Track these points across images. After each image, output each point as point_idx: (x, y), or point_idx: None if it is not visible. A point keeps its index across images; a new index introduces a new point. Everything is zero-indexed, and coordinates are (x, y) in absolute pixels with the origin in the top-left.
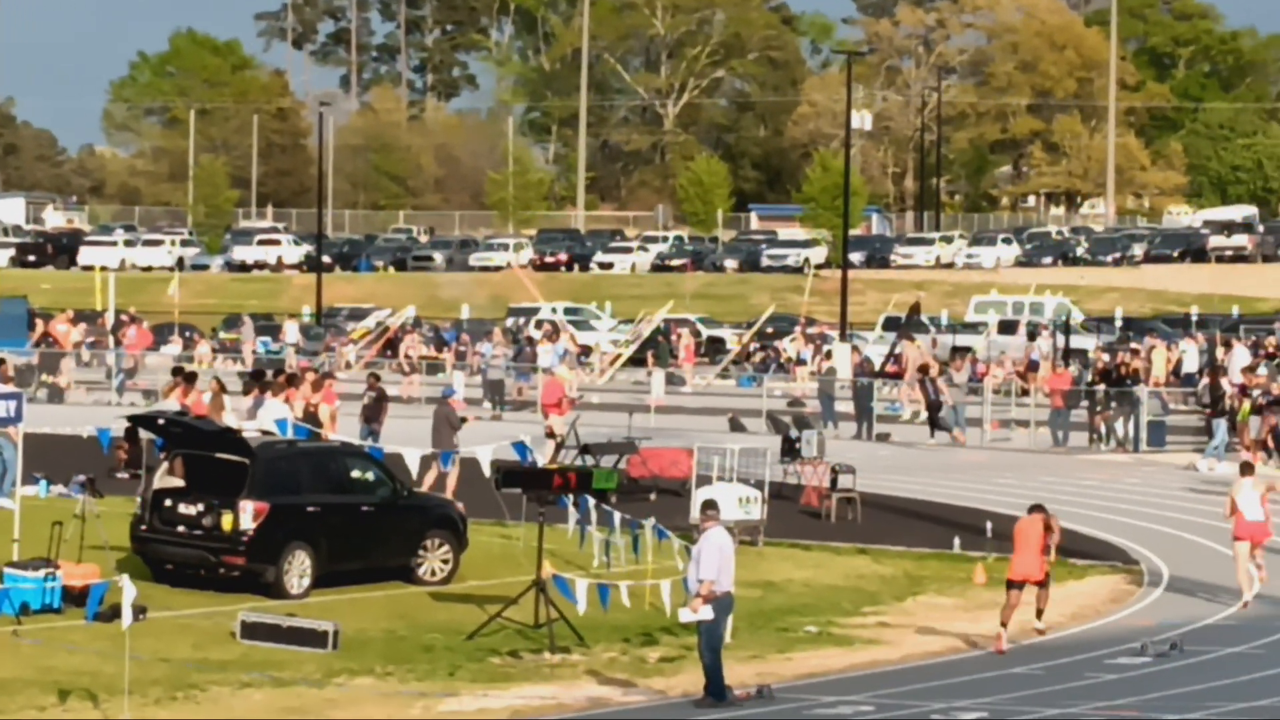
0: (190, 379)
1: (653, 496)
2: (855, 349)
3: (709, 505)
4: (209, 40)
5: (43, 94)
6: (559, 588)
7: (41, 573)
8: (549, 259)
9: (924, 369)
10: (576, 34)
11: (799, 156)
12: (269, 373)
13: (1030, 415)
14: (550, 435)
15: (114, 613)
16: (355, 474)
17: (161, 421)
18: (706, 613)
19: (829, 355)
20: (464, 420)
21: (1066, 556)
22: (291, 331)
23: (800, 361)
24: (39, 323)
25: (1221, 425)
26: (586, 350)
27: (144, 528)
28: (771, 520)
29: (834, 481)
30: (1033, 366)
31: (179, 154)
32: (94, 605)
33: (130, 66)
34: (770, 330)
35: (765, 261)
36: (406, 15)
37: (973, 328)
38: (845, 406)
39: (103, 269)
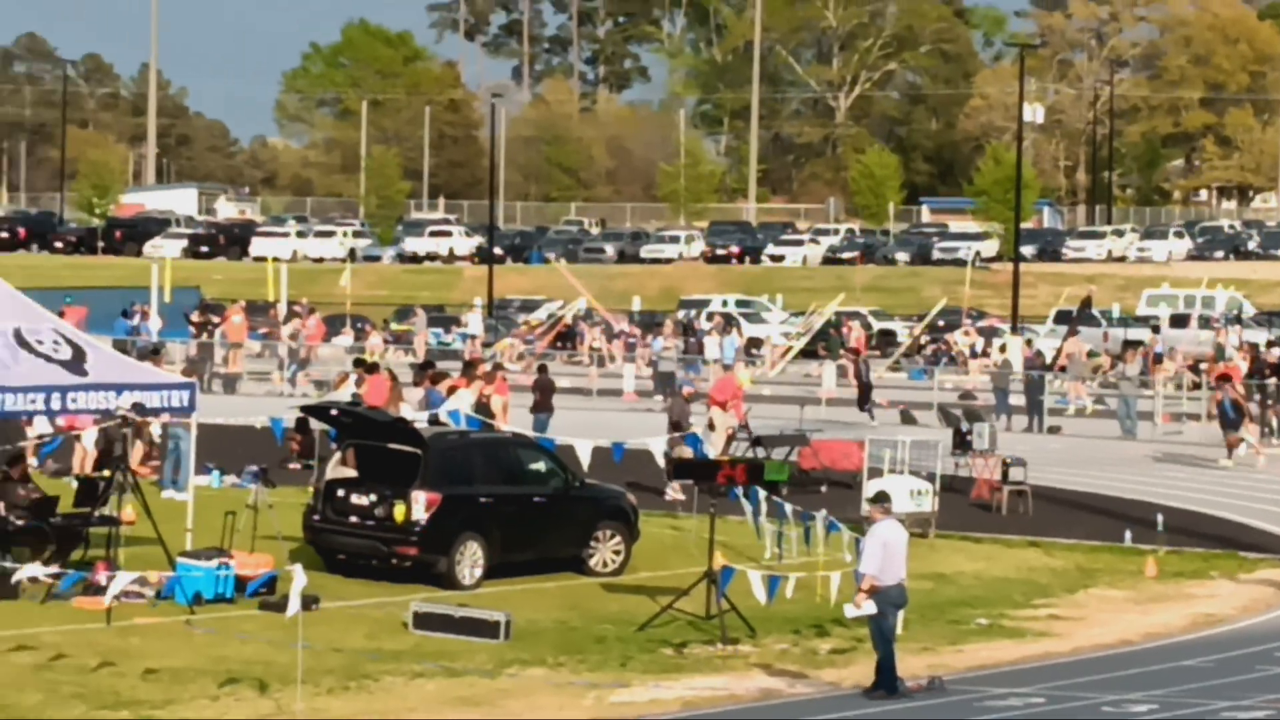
0: (372, 369)
1: (824, 489)
2: (1027, 342)
3: (879, 498)
4: (381, 31)
5: (216, 85)
6: (729, 579)
7: (214, 562)
8: (720, 251)
9: (855, 351)
10: (749, 26)
11: (971, 149)
12: (451, 363)
13: (1202, 409)
14: (711, 428)
15: (286, 602)
16: (527, 465)
17: (334, 412)
18: (870, 608)
19: (1003, 349)
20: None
21: (1237, 550)
22: (474, 322)
23: (973, 355)
24: (199, 314)
25: None
26: (757, 343)
27: (317, 518)
28: (943, 512)
29: (1005, 474)
30: (1220, 356)
31: (351, 145)
32: (255, 587)
33: (303, 57)
34: (941, 323)
35: (936, 254)
36: (579, 7)
37: (1144, 321)
38: (1016, 400)
39: (275, 260)
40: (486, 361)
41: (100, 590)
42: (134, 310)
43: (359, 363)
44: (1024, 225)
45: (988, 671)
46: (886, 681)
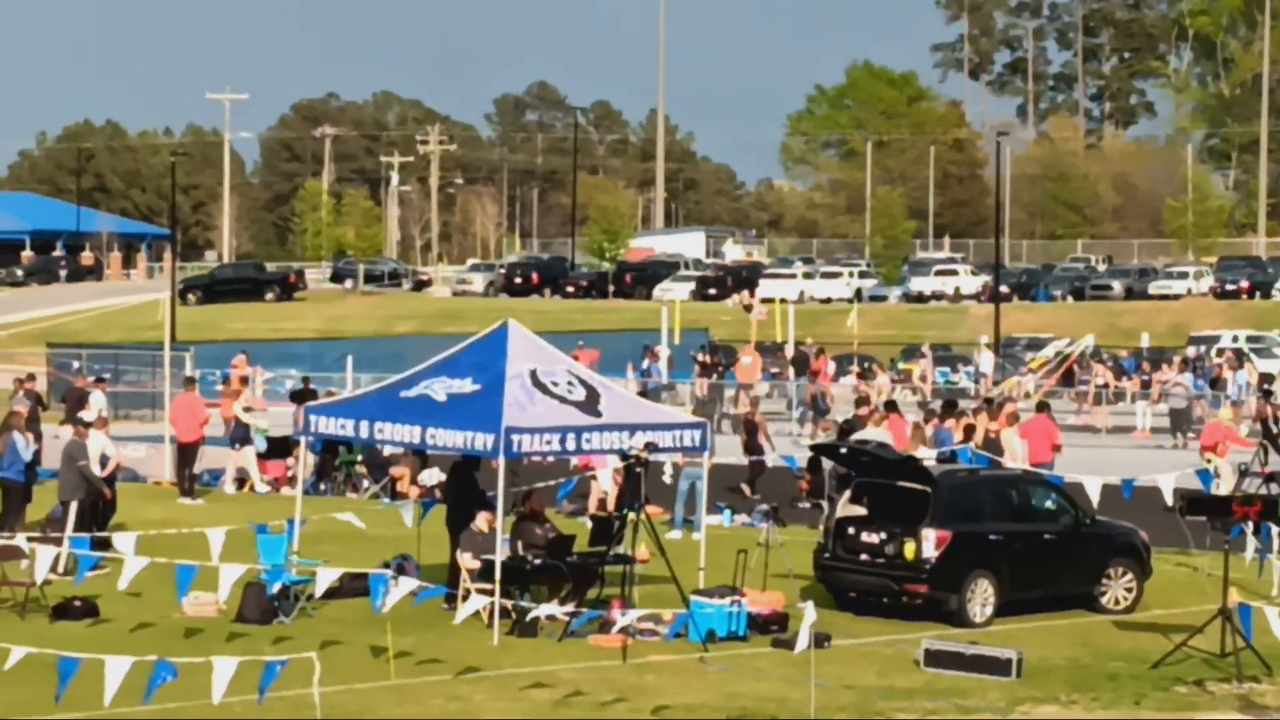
0: (890, 407)
1: None
2: None
3: None
4: (885, 72)
5: (722, 129)
6: (1247, 616)
7: (727, 600)
8: (1229, 286)
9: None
10: (1256, 59)
11: None
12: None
13: None
14: (1216, 474)
15: (797, 639)
16: (1037, 502)
17: (844, 450)
18: None
19: None
20: None
21: None
22: (985, 361)
23: None
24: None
25: None
26: (1269, 378)
27: (827, 556)
28: None
29: None
30: None
31: (856, 186)
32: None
33: (807, 100)
34: None
35: None
36: (1084, 44)
37: None
38: None
39: (782, 301)
40: (1002, 399)
41: (615, 628)
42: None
43: (890, 405)
44: None
45: None
46: None
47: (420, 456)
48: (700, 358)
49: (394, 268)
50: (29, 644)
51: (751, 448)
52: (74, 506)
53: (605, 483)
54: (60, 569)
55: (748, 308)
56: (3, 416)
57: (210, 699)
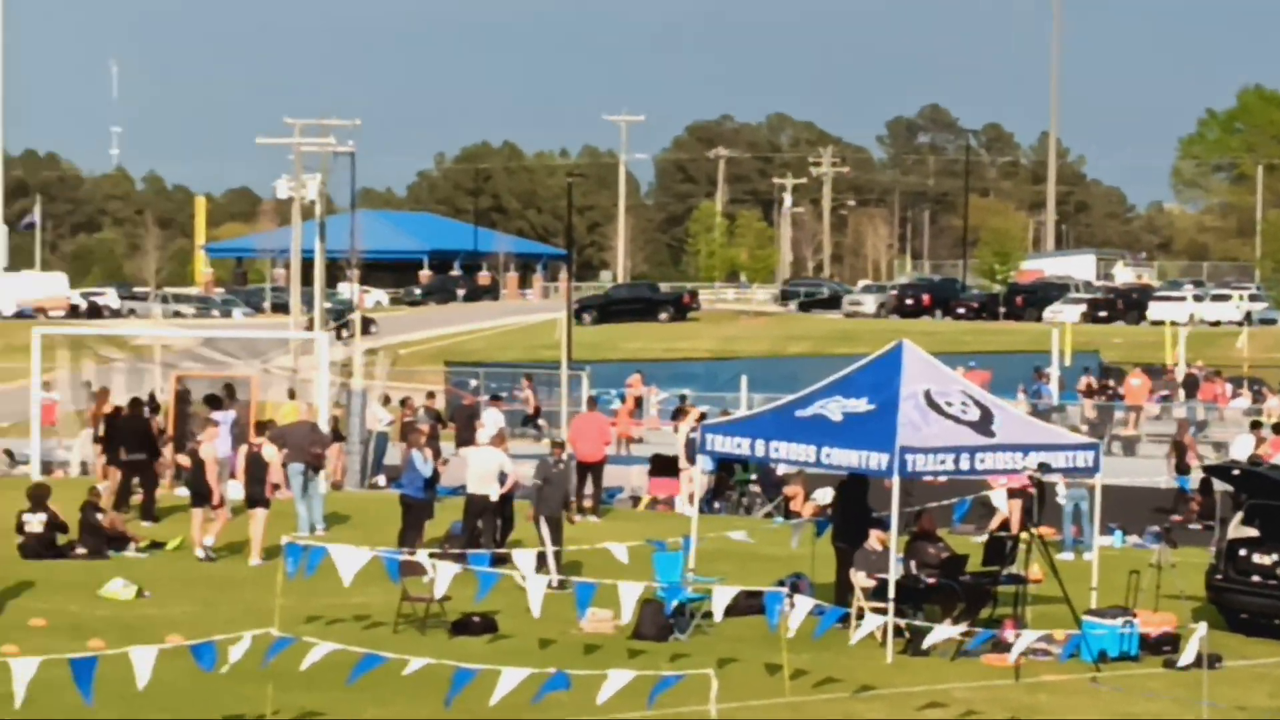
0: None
1: None
2: None
3: None
4: (1276, 96)
5: (1114, 152)
6: None
7: (1119, 621)
8: None
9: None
10: None
11: None
12: None
13: None
14: None
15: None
16: None
17: (1236, 472)
18: None
19: None
20: None
21: None
22: None
23: None
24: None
25: None
26: None
27: (1219, 577)
28: None
29: None
30: None
31: (1247, 209)
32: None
33: (1199, 124)
34: None
35: None
36: None
37: None
38: None
39: (1172, 324)
40: None
41: (1008, 648)
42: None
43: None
44: None
45: None
46: None
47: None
48: (1085, 381)
49: (835, 290)
50: (427, 657)
51: (1181, 468)
52: (542, 521)
53: (1000, 503)
54: (554, 583)
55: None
56: (399, 432)
57: (598, 709)
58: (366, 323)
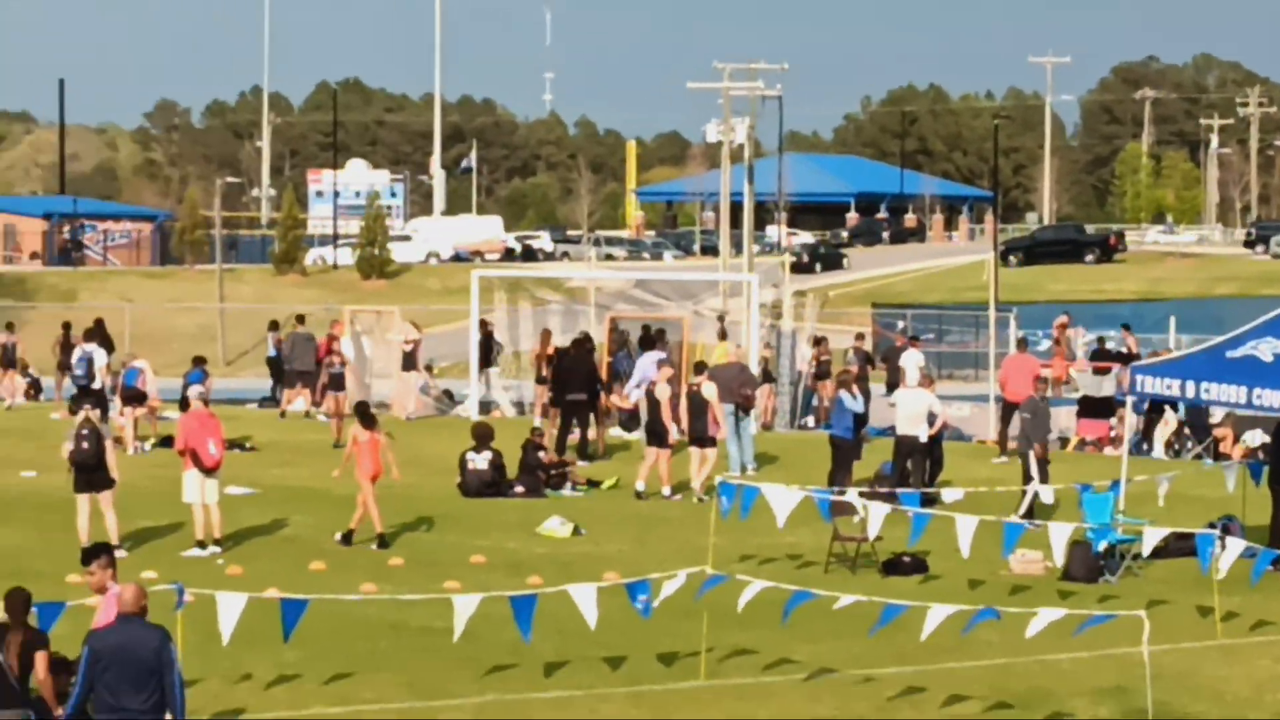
0: None
1: None
2: None
3: None
4: None
5: None
6: None
7: None
8: None
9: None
10: None
11: None
12: None
13: None
14: None
15: None
16: None
17: None
18: None
19: None
20: None
21: None
22: None
23: None
24: None
25: None
26: None
27: None
28: None
29: None
30: None
31: None
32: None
33: None
34: None
35: None
36: None
37: None
38: None
39: None
40: None
41: None
42: None
43: None
44: None
45: None
46: None
47: None
48: None
49: None
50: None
51: None
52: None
53: None
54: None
55: None
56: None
57: (1026, 646)
58: (838, 258)
